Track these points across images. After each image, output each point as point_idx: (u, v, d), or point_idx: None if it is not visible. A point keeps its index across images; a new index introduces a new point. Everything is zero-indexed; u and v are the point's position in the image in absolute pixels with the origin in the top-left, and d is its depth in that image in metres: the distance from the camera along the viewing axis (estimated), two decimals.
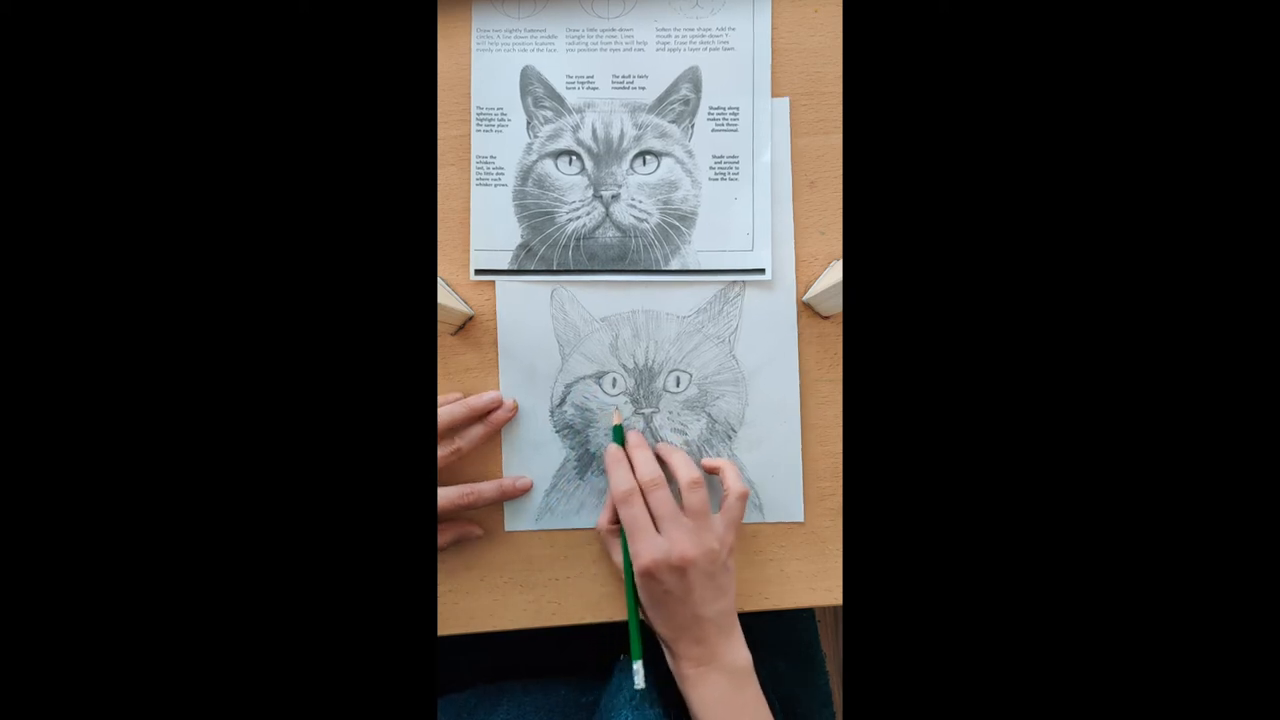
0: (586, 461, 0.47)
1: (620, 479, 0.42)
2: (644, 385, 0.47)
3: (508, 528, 0.47)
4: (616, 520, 0.44)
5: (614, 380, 0.47)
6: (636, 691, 0.41)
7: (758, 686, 0.41)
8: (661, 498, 0.42)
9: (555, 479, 0.47)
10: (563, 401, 0.47)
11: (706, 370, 0.46)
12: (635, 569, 0.40)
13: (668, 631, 0.41)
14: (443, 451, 0.43)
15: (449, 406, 0.44)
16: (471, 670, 0.50)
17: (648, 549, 0.40)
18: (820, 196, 0.46)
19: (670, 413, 0.47)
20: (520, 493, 0.46)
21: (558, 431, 0.47)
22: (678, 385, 0.47)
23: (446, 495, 0.43)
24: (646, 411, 0.47)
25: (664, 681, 0.44)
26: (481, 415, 0.45)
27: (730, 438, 0.47)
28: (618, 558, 0.44)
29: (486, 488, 0.45)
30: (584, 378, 0.47)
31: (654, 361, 0.47)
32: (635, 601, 0.41)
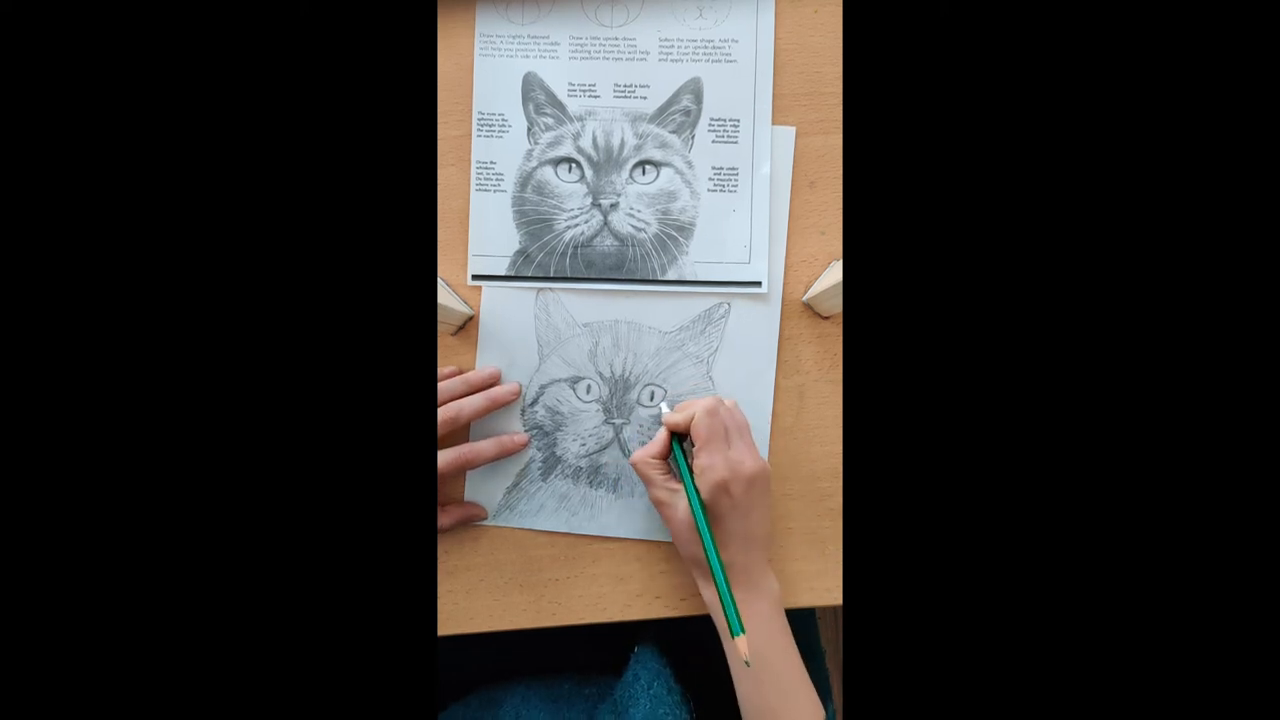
0: (552, 464, 0.46)
1: (701, 400, 0.42)
2: (618, 396, 0.47)
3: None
4: (658, 455, 0.43)
5: (589, 387, 0.46)
6: (654, 680, 0.42)
7: (784, 613, 0.43)
8: (736, 409, 0.42)
9: (518, 477, 0.46)
10: (535, 401, 0.47)
11: (683, 389, 0.46)
12: (713, 480, 0.40)
13: (726, 555, 0.41)
14: (442, 416, 0.43)
15: (447, 382, 0.44)
16: (475, 669, 0.50)
17: (723, 461, 0.40)
18: (820, 196, 0.47)
19: (641, 426, 0.47)
20: (519, 447, 0.46)
21: (527, 430, 0.46)
22: (651, 399, 0.47)
23: (444, 457, 0.43)
24: (617, 422, 0.47)
25: (678, 668, 0.44)
26: (478, 390, 0.45)
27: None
28: (657, 493, 0.42)
29: (485, 445, 0.44)
30: (559, 380, 0.47)
31: (631, 373, 0.47)
32: (723, 572, 0.39)
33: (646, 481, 0.43)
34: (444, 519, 0.44)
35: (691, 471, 0.41)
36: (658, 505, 0.43)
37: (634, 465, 0.43)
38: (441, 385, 0.44)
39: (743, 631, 0.36)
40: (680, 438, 0.43)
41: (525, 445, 0.46)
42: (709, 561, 0.39)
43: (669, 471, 0.43)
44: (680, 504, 0.41)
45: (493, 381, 0.46)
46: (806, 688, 0.40)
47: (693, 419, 0.41)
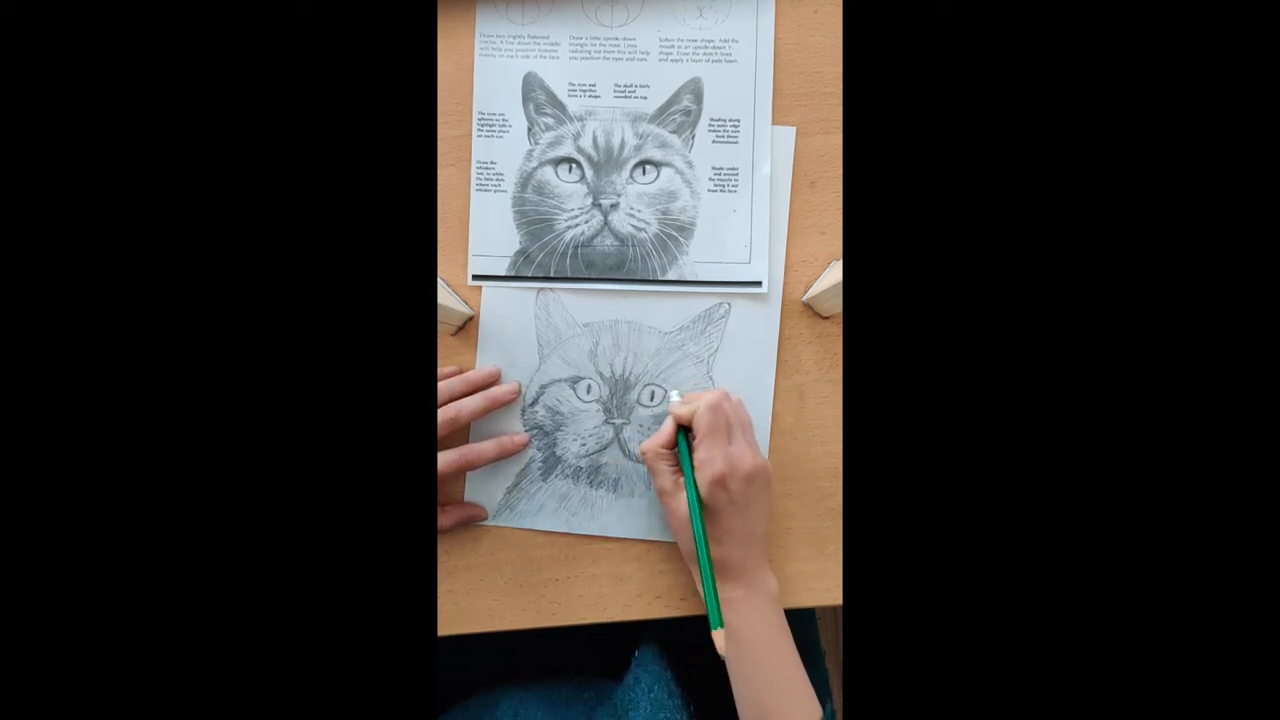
0: (552, 464, 0.46)
1: (707, 393, 0.43)
2: (618, 395, 0.47)
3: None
4: (666, 445, 0.43)
5: (589, 386, 0.46)
6: (655, 683, 0.42)
7: (782, 612, 0.43)
8: (741, 406, 0.43)
9: (518, 478, 0.46)
10: (535, 401, 0.47)
11: (683, 389, 0.46)
12: (711, 474, 0.40)
13: (722, 551, 0.41)
14: (442, 417, 0.43)
15: (447, 382, 0.44)
16: (475, 669, 0.50)
17: (722, 455, 0.40)
18: (820, 196, 0.47)
19: (641, 425, 0.46)
20: (519, 448, 0.46)
21: (527, 430, 0.46)
22: (652, 399, 0.46)
23: (445, 459, 0.43)
24: (618, 422, 0.47)
25: (679, 670, 0.45)
26: (478, 389, 0.45)
27: None
28: (662, 482, 0.43)
29: (485, 446, 0.44)
30: (559, 380, 0.47)
31: (631, 373, 0.46)
32: (709, 566, 0.40)
33: (652, 470, 0.43)
34: (444, 519, 0.44)
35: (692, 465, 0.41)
36: (660, 495, 0.43)
37: (642, 453, 0.43)
38: (441, 385, 0.44)
39: (721, 625, 0.36)
40: (686, 430, 0.43)
41: (525, 445, 0.46)
42: (697, 552, 0.39)
43: (676, 462, 0.43)
44: (682, 495, 0.41)
45: (492, 381, 0.46)
46: (803, 687, 0.40)
47: (695, 412, 0.41)
